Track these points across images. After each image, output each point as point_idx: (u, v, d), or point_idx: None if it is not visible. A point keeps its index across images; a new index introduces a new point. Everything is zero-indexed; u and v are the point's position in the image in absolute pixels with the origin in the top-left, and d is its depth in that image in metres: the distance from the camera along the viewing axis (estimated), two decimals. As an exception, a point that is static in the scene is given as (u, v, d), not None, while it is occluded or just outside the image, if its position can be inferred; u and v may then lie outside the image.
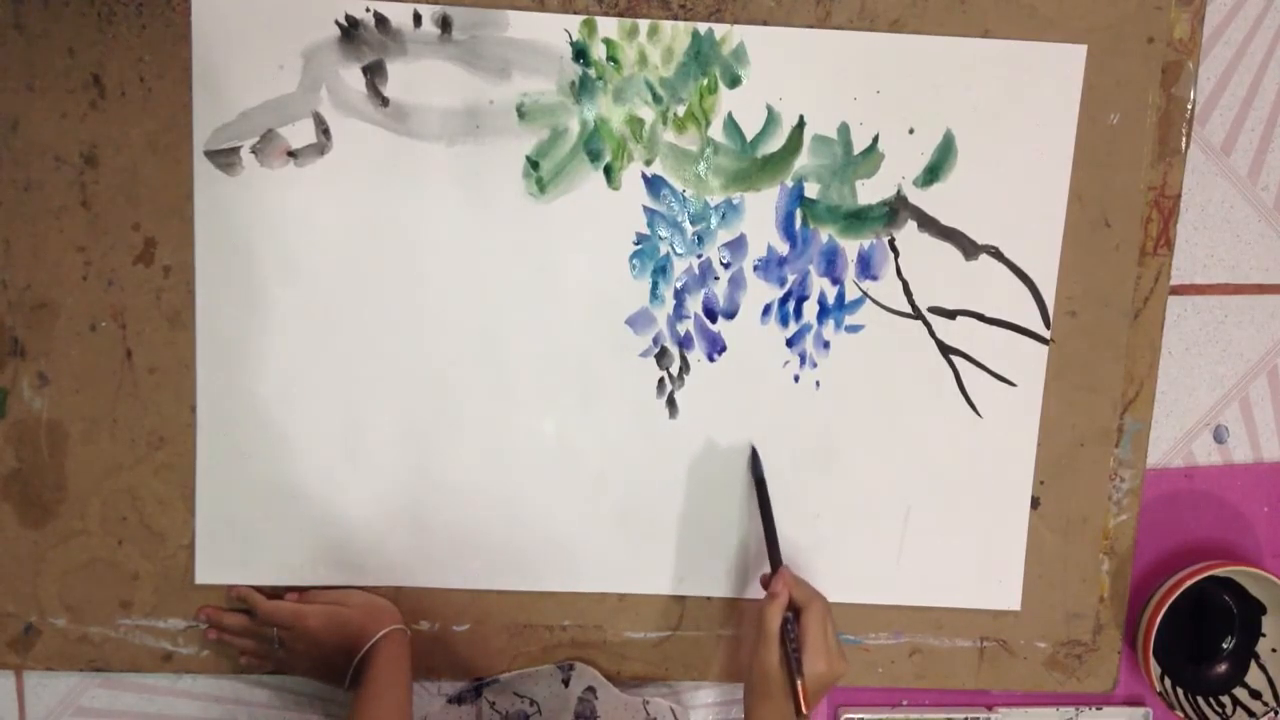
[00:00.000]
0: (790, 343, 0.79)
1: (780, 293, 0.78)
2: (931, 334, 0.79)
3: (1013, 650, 0.83)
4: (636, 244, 0.77)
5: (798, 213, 0.77)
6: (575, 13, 0.74)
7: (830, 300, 0.78)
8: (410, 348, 0.77)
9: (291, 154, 0.74)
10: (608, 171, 0.76)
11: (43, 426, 0.76)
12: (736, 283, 0.78)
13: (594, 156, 0.76)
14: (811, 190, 0.77)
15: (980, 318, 0.79)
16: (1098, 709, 0.85)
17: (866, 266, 0.78)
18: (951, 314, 0.79)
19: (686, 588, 0.81)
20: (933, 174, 0.77)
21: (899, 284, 0.79)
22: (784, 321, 0.78)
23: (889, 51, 0.76)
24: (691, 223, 0.77)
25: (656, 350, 0.78)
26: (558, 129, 0.75)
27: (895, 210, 0.78)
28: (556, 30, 0.74)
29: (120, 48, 0.73)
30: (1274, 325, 0.85)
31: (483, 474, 0.78)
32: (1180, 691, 0.84)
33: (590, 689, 0.78)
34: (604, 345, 0.78)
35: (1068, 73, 0.77)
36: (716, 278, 0.78)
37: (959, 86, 0.76)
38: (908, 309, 0.79)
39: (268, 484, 0.77)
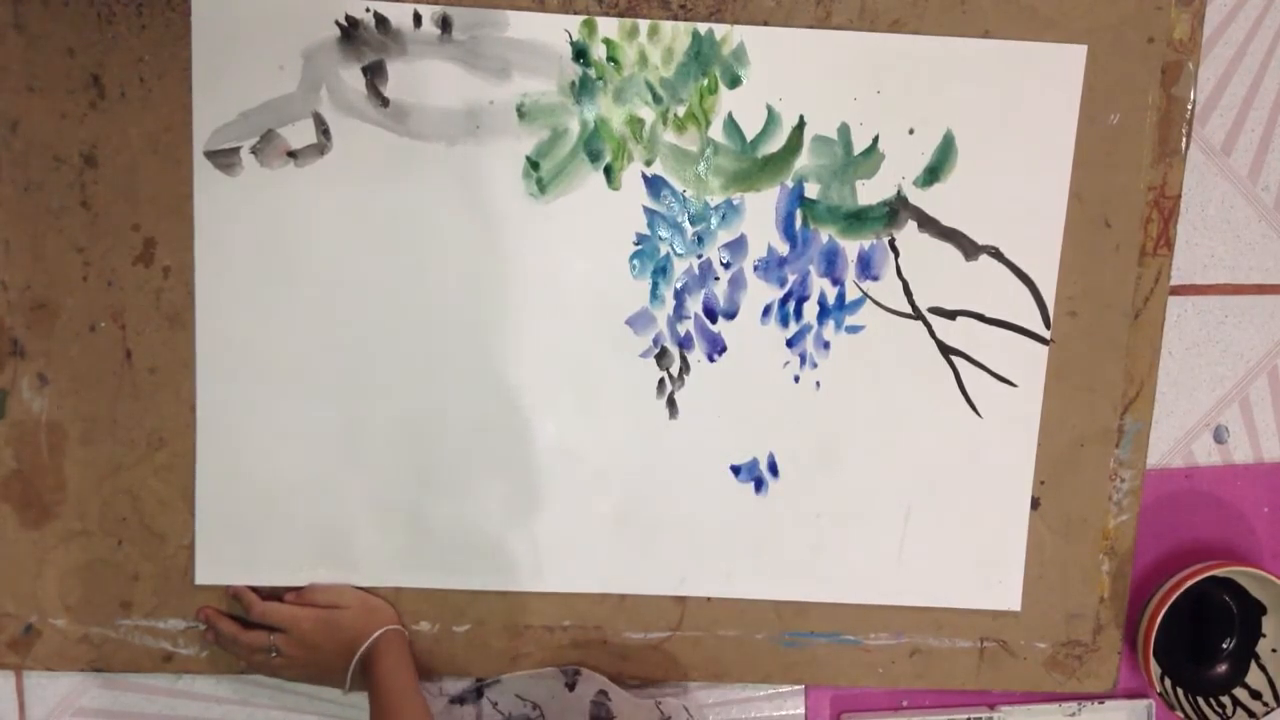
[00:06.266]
0: (790, 343, 0.79)
1: (780, 293, 0.78)
2: (931, 334, 0.79)
3: (1013, 650, 0.83)
4: (636, 244, 0.77)
5: (798, 213, 0.77)
6: (575, 13, 0.74)
7: (830, 300, 0.78)
8: (410, 348, 0.77)
9: (291, 154, 0.74)
10: (608, 172, 0.76)
11: (43, 427, 0.76)
12: (736, 283, 0.78)
13: (594, 157, 0.76)
14: (812, 190, 0.77)
15: (980, 318, 0.79)
16: (1099, 703, 0.85)
17: (867, 267, 0.78)
18: (951, 314, 0.79)
19: (686, 588, 0.81)
20: (933, 174, 0.77)
21: (899, 284, 0.79)
22: (784, 322, 0.78)
23: (889, 51, 0.76)
24: (691, 223, 0.77)
25: (656, 350, 0.78)
26: (558, 129, 0.75)
27: (895, 210, 0.78)
28: (556, 30, 0.74)
29: (120, 48, 0.72)
30: (1274, 325, 0.85)
31: (483, 474, 0.78)
32: (1180, 691, 0.84)
33: (602, 692, 0.78)
34: (604, 345, 0.78)
35: (1068, 73, 0.77)
36: (716, 278, 0.78)
37: (959, 86, 0.76)
38: (908, 309, 0.79)
39: (268, 484, 0.77)
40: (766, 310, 0.78)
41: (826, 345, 0.79)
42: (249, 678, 0.80)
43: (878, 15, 0.75)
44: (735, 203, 0.77)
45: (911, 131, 0.77)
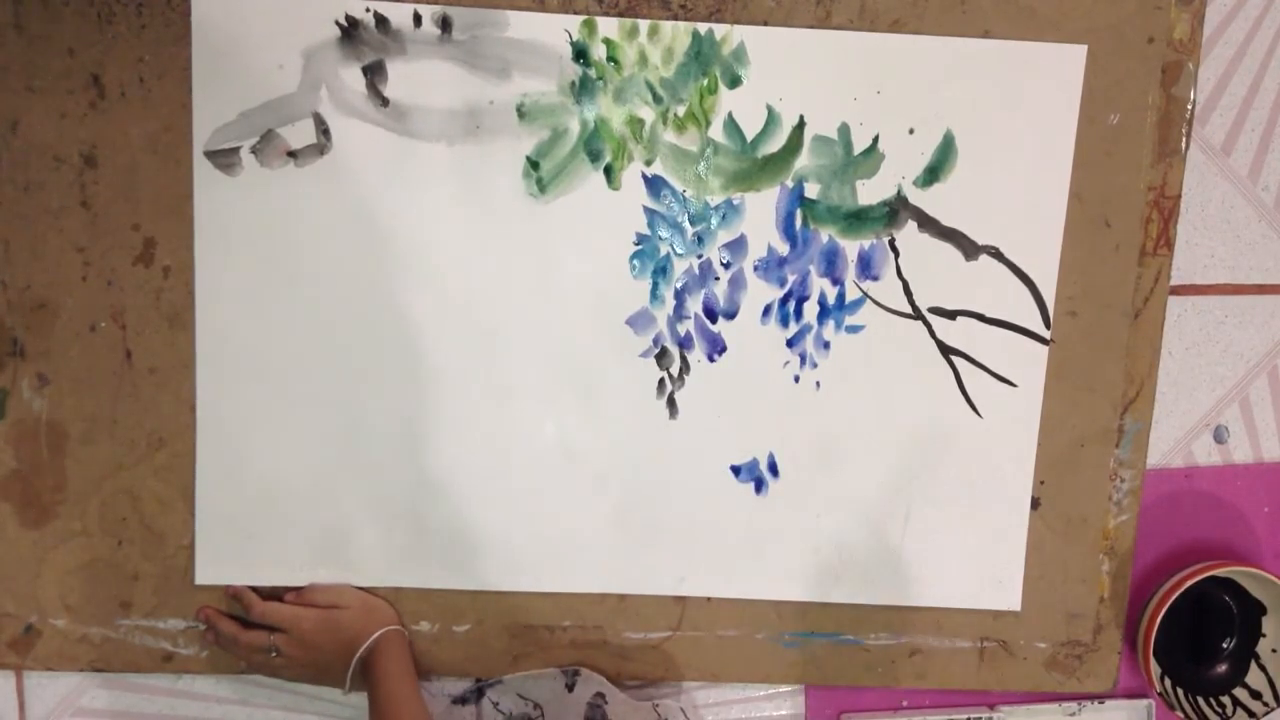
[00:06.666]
0: (790, 343, 0.79)
1: (780, 293, 0.78)
2: (931, 334, 0.79)
3: (1013, 651, 0.83)
4: (637, 244, 0.77)
5: (798, 213, 0.77)
6: (575, 13, 0.74)
7: (830, 300, 0.78)
8: (410, 347, 0.77)
9: (291, 154, 0.74)
10: (608, 172, 0.76)
11: (43, 427, 0.76)
12: (737, 283, 0.78)
13: (594, 157, 0.76)
14: (812, 190, 0.77)
15: (980, 318, 0.79)
16: (1100, 703, 0.85)
17: (867, 267, 0.78)
18: (951, 314, 0.79)
19: (686, 588, 0.81)
20: (933, 174, 0.77)
21: (899, 284, 0.79)
22: (784, 322, 0.78)
23: (889, 51, 0.76)
24: (691, 223, 0.77)
25: (657, 350, 0.78)
26: (558, 129, 0.75)
27: (895, 210, 0.78)
28: (556, 30, 0.74)
29: (120, 48, 0.72)
30: (1274, 325, 0.85)
31: (483, 474, 0.78)
32: (1180, 691, 0.84)
33: (599, 694, 0.78)
34: (604, 345, 0.78)
35: (1068, 73, 0.77)
36: (717, 278, 0.78)
37: (959, 86, 0.76)
38: (908, 309, 0.79)
39: (268, 484, 0.77)
40: (766, 310, 0.78)
41: (826, 345, 0.79)
42: (249, 678, 0.80)
43: (878, 15, 0.75)
44: (735, 203, 0.77)
45: (911, 131, 0.77)
